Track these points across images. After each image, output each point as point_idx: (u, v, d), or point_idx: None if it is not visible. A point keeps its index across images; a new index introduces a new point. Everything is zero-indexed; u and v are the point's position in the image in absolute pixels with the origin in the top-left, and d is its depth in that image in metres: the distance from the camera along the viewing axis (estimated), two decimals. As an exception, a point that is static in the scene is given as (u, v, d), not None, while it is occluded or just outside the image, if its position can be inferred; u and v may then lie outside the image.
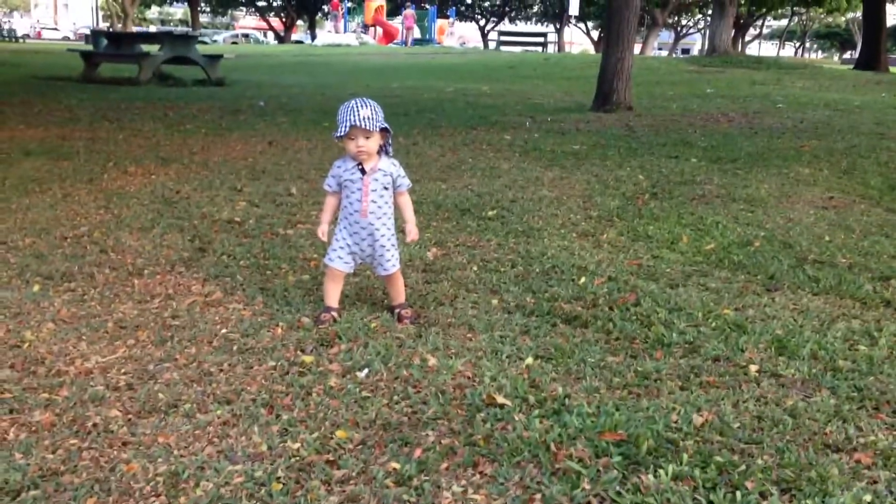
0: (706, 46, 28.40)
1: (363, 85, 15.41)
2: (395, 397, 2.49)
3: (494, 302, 3.39)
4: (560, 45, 48.33)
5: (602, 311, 3.28)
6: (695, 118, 10.54)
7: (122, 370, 2.66)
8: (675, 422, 2.33)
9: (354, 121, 2.90)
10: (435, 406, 2.43)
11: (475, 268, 3.86)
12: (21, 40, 41.84)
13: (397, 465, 2.10)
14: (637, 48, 23.11)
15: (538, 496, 1.98)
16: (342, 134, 2.93)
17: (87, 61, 16.00)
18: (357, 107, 2.91)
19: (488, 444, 2.20)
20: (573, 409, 2.39)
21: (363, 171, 3.05)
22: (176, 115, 9.76)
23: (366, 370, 2.68)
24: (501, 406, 2.42)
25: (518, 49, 33.85)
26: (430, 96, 13.27)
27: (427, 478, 2.05)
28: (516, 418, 2.34)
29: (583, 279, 3.68)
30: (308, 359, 2.76)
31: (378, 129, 2.97)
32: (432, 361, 2.74)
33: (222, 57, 16.50)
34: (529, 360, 2.77)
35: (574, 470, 2.07)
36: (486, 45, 48.89)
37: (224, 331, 3.02)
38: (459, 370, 2.69)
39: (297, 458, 2.14)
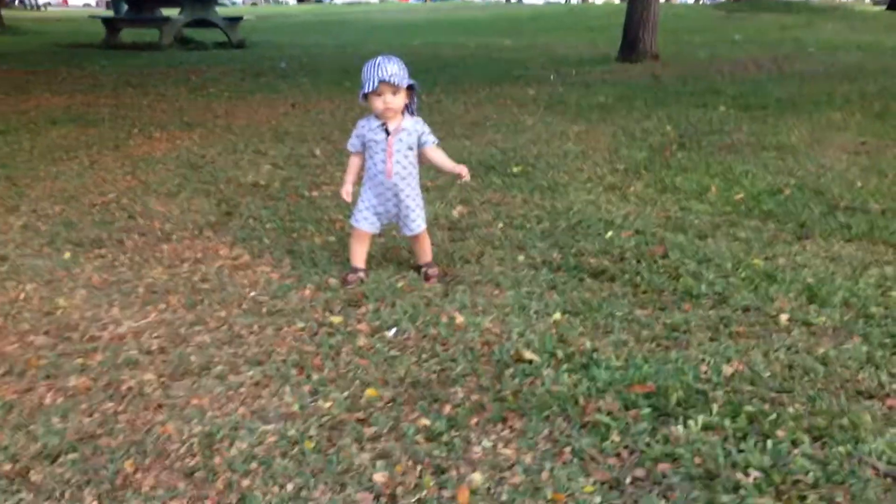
0: (734, -9, 27.67)
1: (384, 43, 15.28)
2: (424, 355, 2.51)
3: (521, 258, 3.38)
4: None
5: (629, 265, 3.25)
6: (723, 65, 10.33)
7: (155, 334, 2.70)
8: (705, 372, 2.32)
9: (383, 76, 2.85)
10: (463, 363, 2.44)
11: (501, 224, 3.84)
12: (42, 8, 41.87)
13: (427, 422, 2.11)
14: (662, -5, 22.64)
15: (568, 449, 1.99)
16: (370, 90, 2.89)
17: (109, 27, 16.02)
18: (384, 62, 2.86)
19: (517, 400, 2.21)
20: (601, 362, 2.39)
21: (387, 132, 3.02)
22: (198, 79, 9.77)
23: (394, 329, 2.69)
24: (529, 361, 2.42)
25: (541, 1, 33.26)
26: (451, 52, 13.14)
27: (457, 433, 2.07)
28: (544, 373, 2.35)
29: (609, 233, 3.64)
30: (336, 319, 2.78)
31: (405, 86, 2.93)
32: (460, 319, 2.75)
33: (242, 18, 16.43)
34: (557, 316, 2.77)
35: (603, 423, 2.07)
36: (507, -2, 47.98)
37: (253, 293, 3.05)
38: (487, 327, 2.69)
39: (329, 416, 2.16)
